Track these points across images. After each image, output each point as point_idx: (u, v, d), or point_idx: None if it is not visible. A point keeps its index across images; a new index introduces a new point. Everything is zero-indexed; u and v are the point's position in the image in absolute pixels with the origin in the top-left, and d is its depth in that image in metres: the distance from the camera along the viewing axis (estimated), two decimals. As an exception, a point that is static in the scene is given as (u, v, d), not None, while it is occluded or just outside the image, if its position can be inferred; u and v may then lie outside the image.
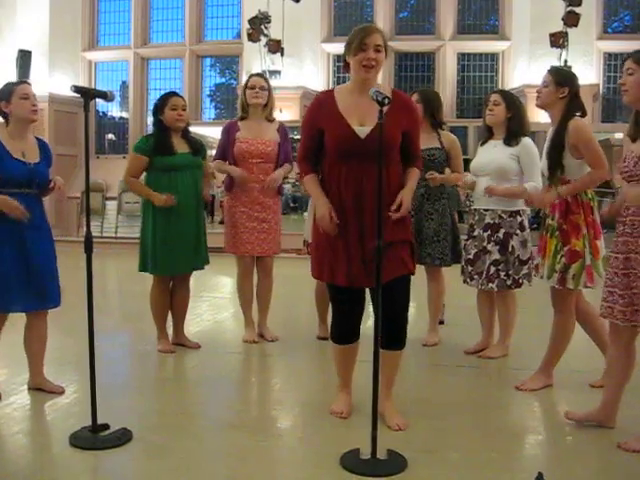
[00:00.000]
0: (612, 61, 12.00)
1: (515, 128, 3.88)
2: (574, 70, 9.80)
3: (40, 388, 3.38)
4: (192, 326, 4.87)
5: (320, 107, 2.90)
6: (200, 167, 4.20)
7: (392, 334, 2.89)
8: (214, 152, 4.55)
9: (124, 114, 14.11)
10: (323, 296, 4.23)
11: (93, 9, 13.70)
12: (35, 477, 2.49)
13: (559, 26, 10.57)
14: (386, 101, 2.50)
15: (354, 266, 2.82)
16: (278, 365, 4.21)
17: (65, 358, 4.00)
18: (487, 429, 2.98)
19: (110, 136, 14.17)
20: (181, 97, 4.18)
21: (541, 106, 3.39)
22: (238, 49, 13.01)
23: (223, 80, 14.38)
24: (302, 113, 11.22)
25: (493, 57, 12.89)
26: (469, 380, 3.75)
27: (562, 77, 3.34)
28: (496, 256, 3.92)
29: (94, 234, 2.91)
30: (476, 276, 3.99)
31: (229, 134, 4.38)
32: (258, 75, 4.54)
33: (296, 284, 6.03)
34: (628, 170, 2.69)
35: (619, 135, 10.11)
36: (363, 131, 2.79)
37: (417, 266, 3.08)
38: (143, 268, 4.18)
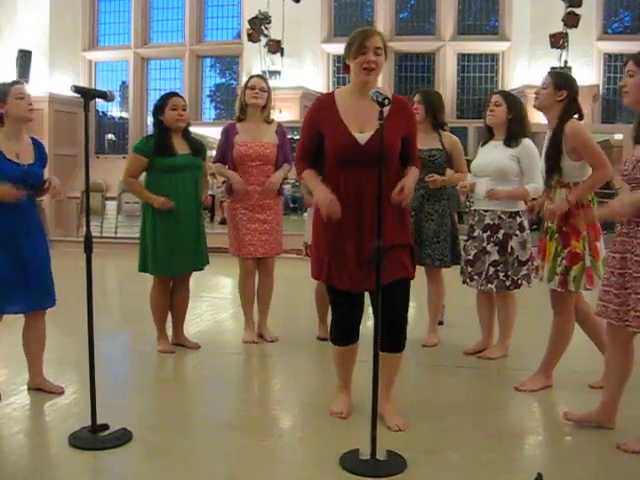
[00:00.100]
0: (612, 62, 12.00)
1: (516, 129, 3.88)
2: (574, 71, 9.85)
3: (40, 388, 3.38)
4: (192, 326, 4.87)
5: (321, 109, 2.90)
6: (200, 168, 4.20)
7: (392, 337, 2.89)
8: (214, 153, 4.56)
9: (124, 114, 14.11)
10: (323, 297, 4.23)
11: (93, 9, 13.70)
12: (34, 477, 2.49)
13: (559, 27, 10.58)
14: (386, 102, 2.50)
15: (353, 270, 2.82)
16: (278, 365, 4.21)
17: (65, 358, 4.00)
18: (486, 430, 2.99)
19: (110, 136, 14.17)
20: (181, 97, 4.18)
21: (538, 107, 3.39)
22: (238, 49, 13.01)
23: (223, 80, 14.38)
24: (302, 113, 11.22)
25: (493, 58, 12.89)
26: (468, 381, 3.75)
27: (561, 80, 3.34)
28: (495, 257, 3.92)
29: (94, 234, 2.92)
30: (476, 277, 3.99)
31: (228, 136, 4.37)
32: (259, 76, 4.55)
33: (296, 285, 6.03)
34: (627, 173, 2.70)
35: (619, 136, 10.11)
36: (363, 138, 2.79)
37: (417, 267, 3.08)
38: (143, 268, 4.18)
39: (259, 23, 11.46)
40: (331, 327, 3.09)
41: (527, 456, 2.83)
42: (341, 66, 3.04)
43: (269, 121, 4.44)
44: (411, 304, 3.02)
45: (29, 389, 3.41)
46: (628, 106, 2.81)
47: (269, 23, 11.52)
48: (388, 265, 2.68)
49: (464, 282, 4.10)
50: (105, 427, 2.82)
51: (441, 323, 4.68)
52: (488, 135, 4.04)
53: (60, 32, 12.46)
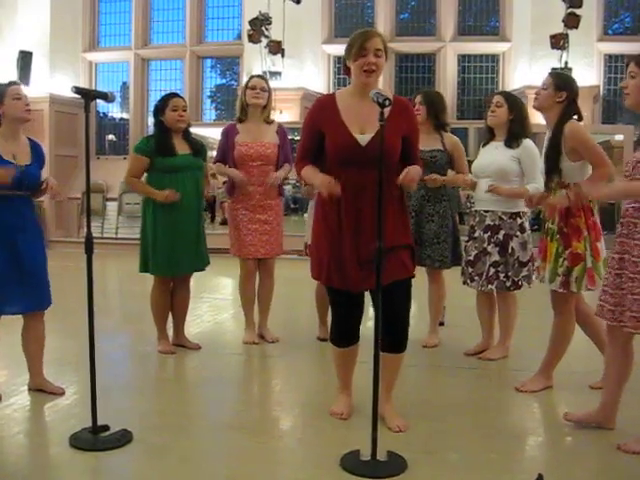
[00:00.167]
0: (613, 63, 11.98)
1: (517, 130, 3.88)
2: (575, 72, 9.84)
3: (40, 389, 3.39)
4: (192, 327, 4.88)
5: (322, 110, 2.90)
6: (201, 168, 4.21)
7: (393, 338, 2.90)
8: (214, 153, 4.56)
9: (124, 115, 14.09)
10: (323, 297, 4.23)
11: (94, 10, 13.69)
12: (35, 478, 2.49)
13: (559, 28, 10.56)
14: (387, 103, 2.50)
15: (353, 269, 2.82)
16: (278, 366, 4.21)
17: (65, 359, 4.00)
18: (487, 430, 2.99)
19: (110, 137, 14.15)
20: (182, 98, 4.19)
21: (538, 108, 3.39)
22: (239, 50, 13.00)
23: (224, 81, 14.36)
24: (302, 114, 11.20)
25: (494, 58, 12.88)
26: (469, 381, 3.75)
27: (562, 81, 3.34)
28: (496, 257, 3.92)
29: (94, 235, 2.92)
30: (476, 277, 3.99)
31: (228, 137, 4.38)
32: (259, 76, 4.55)
33: (296, 285, 6.03)
34: (629, 174, 2.72)
35: (619, 137, 10.10)
36: (364, 139, 2.80)
37: (418, 268, 3.09)
38: (144, 269, 4.18)
39: (259, 24, 11.46)
40: (331, 328, 3.09)
41: (527, 457, 2.83)
42: (342, 67, 3.04)
43: (269, 121, 4.45)
44: (411, 305, 3.02)
45: (29, 390, 3.41)
46: (629, 107, 2.82)
47: (269, 24, 11.51)
48: (389, 265, 2.68)
49: (464, 283, 4.10)
50: (106, 428, 2.82)
51: (442, 324, 4.68)
52: (489, 136, 4.04)
53: (60, 33, 12.46)
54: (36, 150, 3.36)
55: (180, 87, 13.54)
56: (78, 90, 2.81)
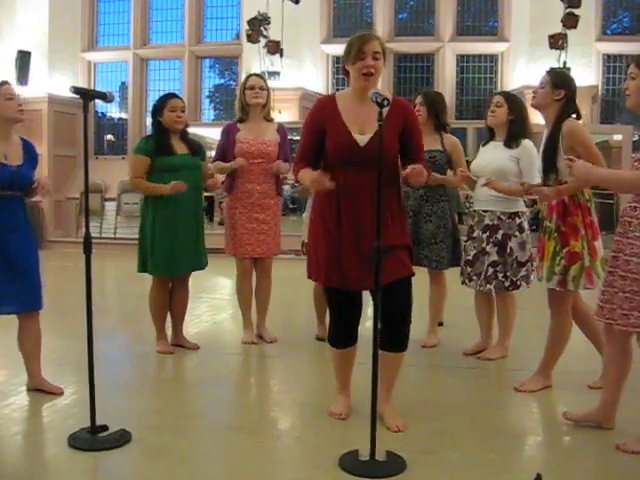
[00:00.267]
0: (611, 63, 11.98)
1: (516, 130, 3.88)
2: (573, 72, 9.84)
3: (39, 389, 3.38)
4: (191, 327, 4.87)
5: (323, 109, 2.91)
6: (199, 168, 4.20)
7: (394, 337, 2.90)
8: (213, 153, 4.55)
9: (123, 115, 14.07)
10: (321, 296, 4.23)
11: (92, 10, 13.67)
12: (33, 478, 2.49)
13: (558, 28, 10.56)
14: (385, 102, 2.50)
15: (353, 268, 2.82)
16: (277, 366, 4.21)
17: (64, 359, 3.99)
18: (486, 430, 2.99)
19: (109, 137, 14.13)
20: (180, 99, 4.18)
21: (536, 106, 3.39)
22: (237, 50, 12.99)
23: (222, 81, 14.36)
24: (301, 114, 11.19)
25: (492, 58, 12.87)
26: (468, 381, 3.75)
27: (559, 79, 3.35)
28: (494, 257, 3.92)
29: (93, 235, 2.91)
30: (475, 277, 3.99)
31: (229, 135, 4.37)
32: (256, 75, 4.54)
33: (294, 285, 6.03)
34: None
35: (618, 136, 10.10)
36: (363, 139, 2.81)
37: (419, 268, 3.08)
38: (142, 269, 4.17)
39: (258, 24, 11.45)
40: (329, 329, 3.09)
41: (526, 456, 2.83)
42: (341, 70, 3.04)
43: (269, 119, 4.45)
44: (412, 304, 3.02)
45: (28, 390, 3.41)
46: (630, 108, 2.82)
47: (268, 24, 11.50)
48: (388, 264, 2.68)
49: (463, 283, 4.10)
50: (104, 428, 2.82)
51: (441, 324, 4.68)
52: (489, 135, 4.05)
53: (59, 33, 12.44)
54: (29, 150, 3.34)
55: (179, 87, 13.53)
56: (77, 90, 2.81)
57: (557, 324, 3.42)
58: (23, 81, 11.41)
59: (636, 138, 10.69)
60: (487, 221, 3.96)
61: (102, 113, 14.26)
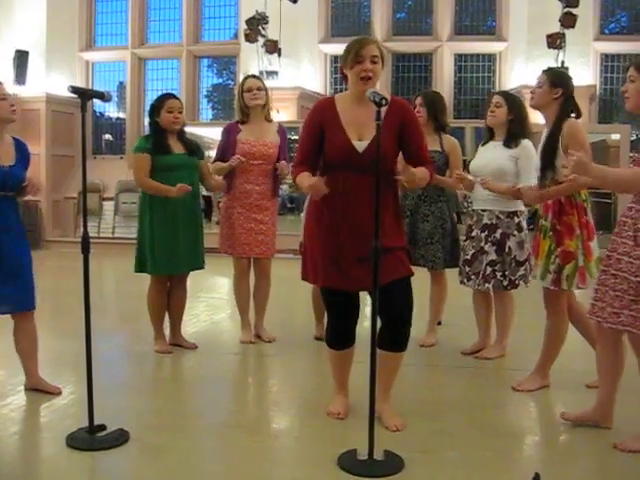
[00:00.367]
0: (609, 62, 11.99)
1: (516, 130, 3.88)
2: (571, 71, 9.84)
3: (37, 388, 3.38)
4: (189, 327, 4.87)
5: (322, 111, 2.92)
6: (196, 168, 4.20)
7: (394, 336, 2.90)
8: (212, 153, 4.55)
9: (121, 114, 14.05)
10: (319, 296, 4.22)
11: (90, 9, 13.66)
12: (31, 478, 2.49)
13: (556, 27, 10.56)
14: (383, 102, 2.50)
15: (351, 269, 2.82)
16: (275, 366, 4.21)
17: (62, 359, 3.99)
18: (484, 429, 2.99)
19: (107, 136, 14.12)
20: (177, 99, 4.17)
21: (534, 106, 3.40)
22: (235, 50, 12.98)
23: (220, 81, 14.35)
24: (299, 114, 11.19)
25: (490, 58, 12.87)
26: (466, 381, 3.76)
27: (557, 78, 3.35)
28: (493, 256, 3.92)
29: (91, 235, 2.90)
30: (473, 276, 4.00)
31: (230, 134, 4.37)
32: (253, 76, 4.56)
33: (292, 285, 5.98)
34: None
35: (616, 136, 10.11)
36: (361, 145, 2.81)
37: (419, 268, 3.08)
38: (140, 269, 4.17)
39: (256, 23, 11.44)
40: (327, 330, 3.09)
41: (524, 455, 2.83)
42: (339, 74, 3.03)
43: (270, 119, 4.45)
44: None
45: (26, 389, 3.41)
46: (630, 111, 2.83)
47: (266, 23, 11.50)
48: (387, 264, 2.68)
49: (461, 282, 4.10)
50: (102, 427, 2.82)
51: (439, 323, 4.68)
52: (489, 135, 4.05)
53: (57, 32, 12.42)
54: (21, 150, 3.31)
55: (177, 86, 13.51)
56: (75, 89, 2.80)
57: (553, 324, 3.42)
58: (21, 81, 11.39)
59: (634, 137, 10.69)
60: (486, 220, 3.96)
61: (100, 113, 14.25)
